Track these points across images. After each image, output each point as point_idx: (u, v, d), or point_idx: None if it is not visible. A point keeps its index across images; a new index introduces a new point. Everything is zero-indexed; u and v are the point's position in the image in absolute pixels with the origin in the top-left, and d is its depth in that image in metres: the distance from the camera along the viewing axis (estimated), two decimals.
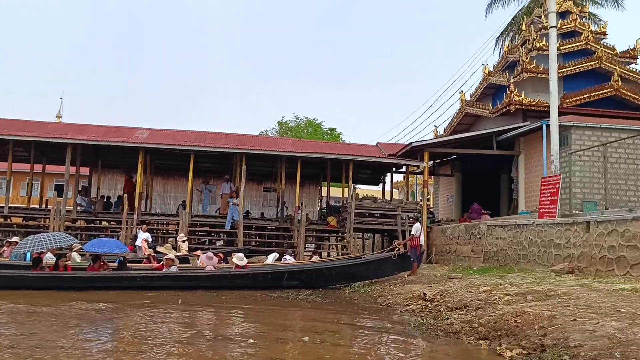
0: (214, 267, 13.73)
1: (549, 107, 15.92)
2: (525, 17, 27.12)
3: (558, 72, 17.08)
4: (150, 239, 17.63)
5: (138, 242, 17.23)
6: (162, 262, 13.38)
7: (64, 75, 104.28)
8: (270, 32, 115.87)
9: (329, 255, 22.63)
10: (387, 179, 26.96)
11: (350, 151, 22.38)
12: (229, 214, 20.05)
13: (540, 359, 5.57)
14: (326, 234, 22.65)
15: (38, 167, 23.65)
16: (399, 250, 14.25)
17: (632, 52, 22.30)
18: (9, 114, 68.83)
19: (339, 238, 21.48)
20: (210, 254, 14.58)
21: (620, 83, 20.50)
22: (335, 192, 29.30)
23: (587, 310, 6.59)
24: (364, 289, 12.94)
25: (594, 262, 10.76)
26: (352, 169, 21.23)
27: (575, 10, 23.04)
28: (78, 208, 20.85)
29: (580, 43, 21.74)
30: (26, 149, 21.81)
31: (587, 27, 22.60)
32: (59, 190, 27.40)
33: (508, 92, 20.19)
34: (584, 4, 26.67)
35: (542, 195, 15.33)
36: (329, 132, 47.62)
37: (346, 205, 21.00)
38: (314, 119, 48.18)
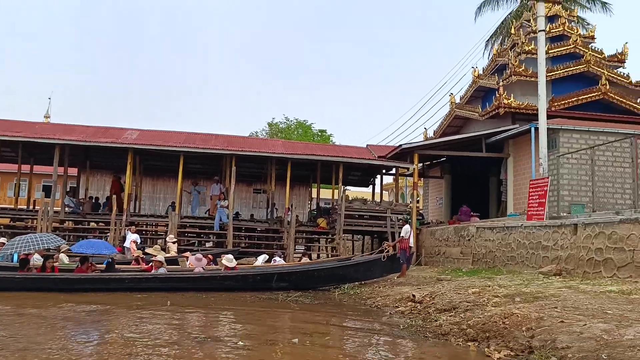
0: (203, 269, 13.69)
1: (537, 110, 16.04)
2: (514, 20, 27.28)
3: (547, 76, 17.25)
4: (139, 240, 17.55)
5: (127, 244, 17.12)
6: (150, 264, 13.32)
7: (64, 75, 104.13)
8: (270, 32, 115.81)
9: (318, 256, 22.66)
10: (377, 180, 27.07)
11: (341, 153, 22.43)
12: (216, 216, 20.00)
13: None
14: (316, 236, 22.66)
15: (26, 168, 23.47)
16: (388, 252, 14.30)
17: (619, 56, 22.53)
18: (9, 114, 68.54)
19: (328, 240, 21.49)
20: (199, 255, 14.54)
21: (607, 87, 20.69)
22: (325, 193, 29.35)
23: (575, 312, 6.64)
24: (353, 291, 12.97)
25: (582, 264, 10.85)
26: (342, 170, 21.27)
27: (563, 14, 23.23)
28: (66, 209, 20.72)
29: (568, 47, 21.92)
30: (13, 150, 21.64)
31: (575, 31, 22.79)
32: (47, 191, 27.17)
33: (497, 95, 20.32)
34: (573, 8, 26.93)
35: (530, 198, 15.44)
36: (319, 133, 47.74)
37: (336, 207, 21.03)
38: (304, 121, 48.31)
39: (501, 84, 20.72)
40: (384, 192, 29.34)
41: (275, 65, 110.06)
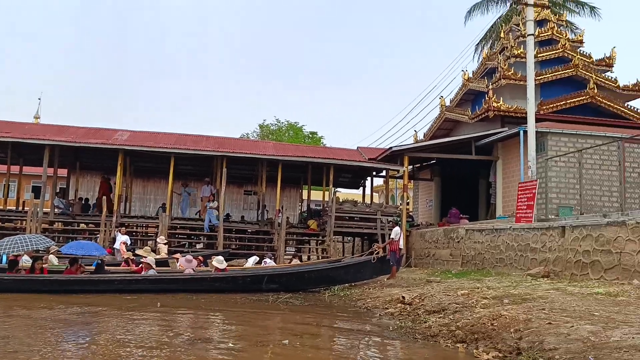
0: (194, 270, 13.68)
1: (526, 113, 16.19)
2: (503, 24, 27.48)
3: (535, 79, 17.38)
4: (129, 242, 17.51)
5: (117, 245, 17.06)
6: (140, 265, 13.29)
7: (64, 75, 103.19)
8: (270, 32, 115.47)
9: (309, 258, 22.66)
10: (368, 182, 27.10)
11: (331, 155, 22.48)
12: (206, 218, 19.98)
13: None
14: (306, 238, 22.68)
15: (15, 169, 23.30)
16: (378, 253, 14.36)
17: (607, 60, 22.77)
18: (9, 114, 67.94)
19: (319, 241, 21.52)
20: (189, 256, 14.53)
21: (595, 90, 20.91)
22: (316, 195, 29.35)
23: (562, 313, 6.72)
24: (343, 292, 13.01)
25: (569, 266, 10.96)
26: (332, 172, 21.31)
27: (552, 18, 23.45)
28: (55, 210, 20.59)
29: (557, 51, 22.13)
30: (3, 150, 21.48)
31: (564, 35, 23.01)
32: (36, 191, 26.91)
33: (487, 98, 20.46)
34: (562, 12, 27.18)
35: (519, 200, 15.57)
36: (310, 135, 47.80)
37: (327, 208, 21.06)
38: (295, 123, 48.34)
39: (491, 87, 20.88)
40: (374, 194, 29.44)
41: (275, 65, 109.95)
